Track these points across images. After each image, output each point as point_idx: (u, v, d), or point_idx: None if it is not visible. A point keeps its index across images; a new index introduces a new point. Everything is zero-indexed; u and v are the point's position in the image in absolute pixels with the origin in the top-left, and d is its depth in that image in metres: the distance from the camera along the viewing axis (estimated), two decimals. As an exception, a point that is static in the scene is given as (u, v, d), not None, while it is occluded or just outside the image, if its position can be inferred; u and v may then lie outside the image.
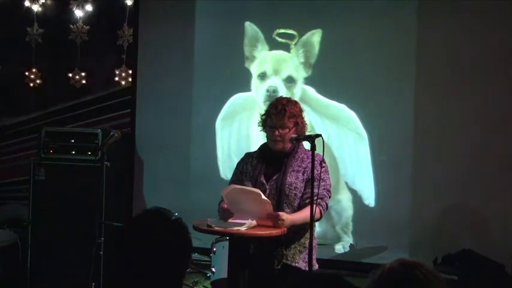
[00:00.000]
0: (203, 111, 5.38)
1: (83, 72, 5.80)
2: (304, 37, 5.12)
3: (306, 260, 3.17)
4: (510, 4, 4.65)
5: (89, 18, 5.80)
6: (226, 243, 3.55)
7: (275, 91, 5.08)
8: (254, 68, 5.24)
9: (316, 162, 3.01)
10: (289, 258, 3.21)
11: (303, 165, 3.24)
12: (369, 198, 4.94)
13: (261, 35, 5.21)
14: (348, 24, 5.01)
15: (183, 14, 5.44)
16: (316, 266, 3.17)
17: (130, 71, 5.65)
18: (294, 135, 3.17)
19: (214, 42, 5.36)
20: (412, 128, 4.85)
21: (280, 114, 3.20)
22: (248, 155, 3.42)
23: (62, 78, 5.88)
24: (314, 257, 3.07)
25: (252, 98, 5.23)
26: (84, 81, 5.82)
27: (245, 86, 5.25)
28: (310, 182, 2.98)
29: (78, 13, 5.79)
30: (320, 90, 5.08)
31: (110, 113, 5.78)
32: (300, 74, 5.12)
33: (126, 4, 5.66)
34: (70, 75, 5.83)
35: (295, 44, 5.14)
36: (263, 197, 3.03)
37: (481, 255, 4.31)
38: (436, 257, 4.40)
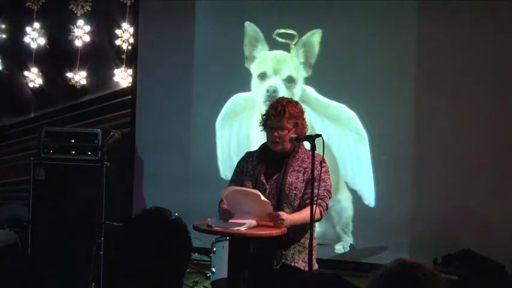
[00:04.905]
0: (203, 111, 5.38)
1: (83, 72, 5.80)
2: (304, 37, 5.11)
3: (306, 260, 3.17)
4: (510, 4, 4.65)
5: (89, 18, 5.80)
6: (226, 243, 3.55)
7: (275, 91, 5.08)
8: (254, 68, 5.24)
9: (316, 163, 3.00)
10: (288, 258, 3.21)
11: (304, 166, 3.24)
12: (369, 198, 4.94)
13: (261, 35, 5.21)
14: (348, 24, 5.01)
15: (183, 14, 5.44)
16: (316, 266, 3.16)
17: (130, 71, 5.65)
18: (294, 136, 3.16)
19: (214, 42, 5.36)
20: (412, 128, 4.85)
21: (280, 115, 3.18)
22: (249, 154, 3.42)
23: (62, 78, 5.88)
24: (314, 257, 3.07)
25: (252, 98, 5.23)
26: (84, 81, 5.81)
27: (245, 86, 5.25)
28: (311, 182, 2.97)
29: (78, 13, 5.79)
30: (320, 90, 5.08)
31: (110, 113, 5.77)
32: (300, 74, 5.12)
33: (126, 4, 5.65)
34: (70, 75, 5.82)
35: (295, 44, 5.14)
36: (262, 198, 3.02)
37: (481, 255, 4.31)
38: (436, 257, 4.40)
